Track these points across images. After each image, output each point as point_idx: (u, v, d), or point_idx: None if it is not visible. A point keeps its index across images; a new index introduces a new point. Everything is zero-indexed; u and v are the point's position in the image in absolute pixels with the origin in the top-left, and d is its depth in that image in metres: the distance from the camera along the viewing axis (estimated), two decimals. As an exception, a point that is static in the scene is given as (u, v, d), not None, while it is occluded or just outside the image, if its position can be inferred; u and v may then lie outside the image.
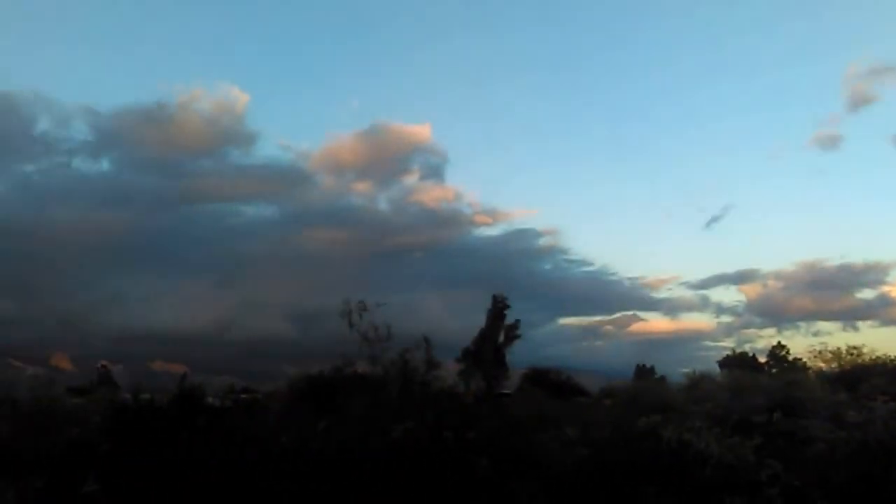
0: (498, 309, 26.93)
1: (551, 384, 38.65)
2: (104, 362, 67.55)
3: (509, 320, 33.67)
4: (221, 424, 19.84)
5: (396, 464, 15.76)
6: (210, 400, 23.70)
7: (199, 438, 18.64)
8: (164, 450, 17.96)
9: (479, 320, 30.52)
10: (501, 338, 27.51)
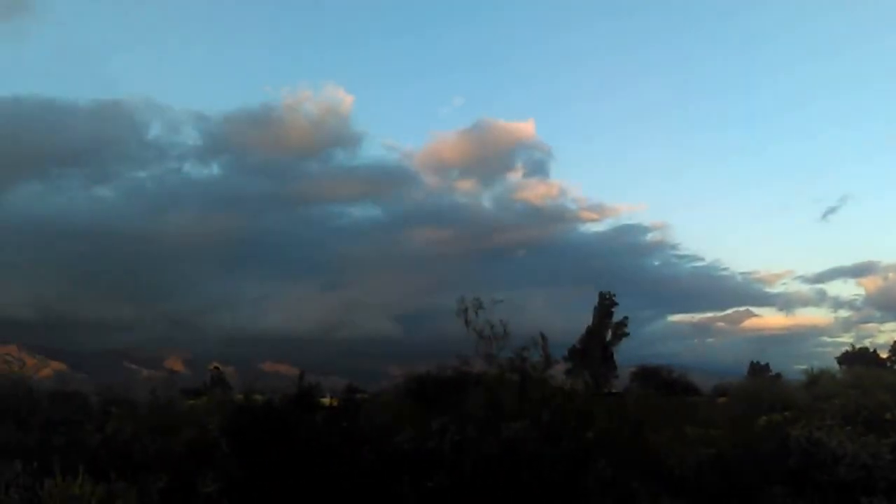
0: (605, 306, 25.97)
1: (662, 382, 37.39)
2: (216, 364, 69.71)
3: (617, 318, 32.68)
4: (337, 424, 19.66)
5: (512, 464, 15.15)
6: (324, 399, 23.66)
7: (316, 438, 18.51)
8: (282, 450, 17.88)
9: (586, 318, 29.62)
10: (609, 336, 26.52)
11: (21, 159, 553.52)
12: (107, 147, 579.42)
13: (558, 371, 17.98)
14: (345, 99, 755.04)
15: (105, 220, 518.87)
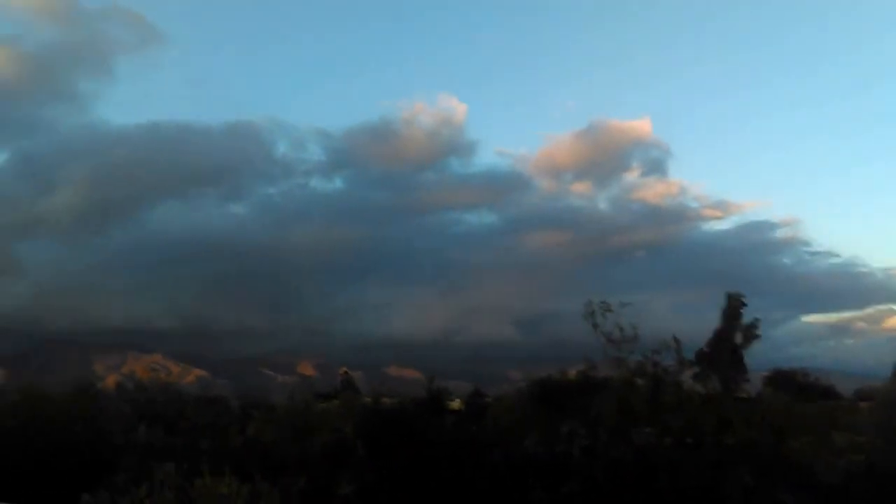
0: (733, 308, 24.71)
1: (797, 387, 35.43)
2: (344, 369, 71.38)
3: (746, 319, 31.11)
4: (466, 427, 19.65)
5: (646, 470, 14.64)
6: (452, 403, 23.72)
7: (445, 441, 18.54)
8: (414, 453, 18.00)
9: (711, 320, 28.26)
10: (739, 338, 25.22)
11: (160, 181, 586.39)
12: (239, 166, 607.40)
13: (686, 376, 17.27)
14: (458, 108, 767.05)
15: (238, 235, 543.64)
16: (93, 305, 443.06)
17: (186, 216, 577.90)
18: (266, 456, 18.51)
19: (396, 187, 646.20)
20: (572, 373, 24.12)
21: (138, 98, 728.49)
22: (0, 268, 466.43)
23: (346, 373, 61.91)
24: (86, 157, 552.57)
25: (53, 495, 20.51)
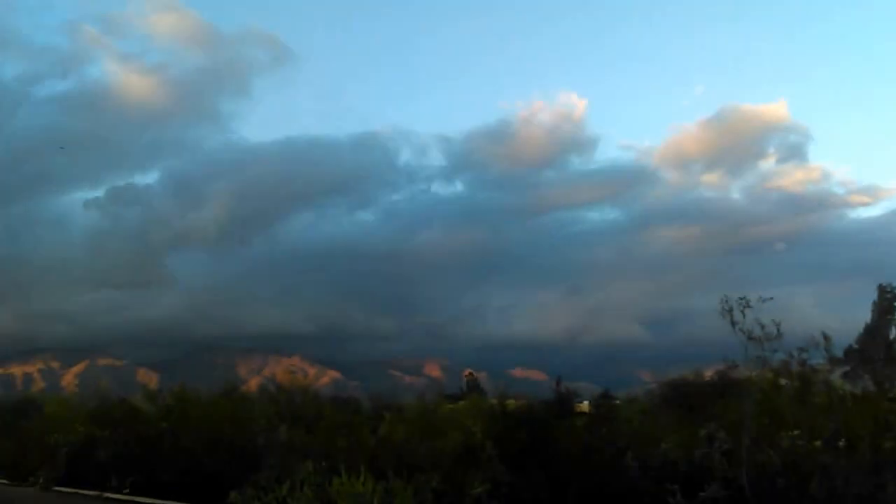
0: (887, 300, 22.79)
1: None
2: (469, 370, 71.56)
3: (901, 313, 28.80)
4: (597, 430, 19.05)
5: (795, 476, 13.62)
6: (581, 405, 23.14)
7: (577, 444, 18.06)
8: (545, 455, 17.62)
9: (861, 315, 26.26)
10: (893, 334, 23.27)
11: (294, 192, 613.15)
12: (365, 175, 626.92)
13: (836, 375, 15.99)
14: (578, 104, 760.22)
15: (366, 241, 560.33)
16: (236, 312, 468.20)
17: (319, 225, 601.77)
18: (399, 455, 18.58)
19: (516, 188, 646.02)
20: (708, 373, 23.02)
21: (273, 115, 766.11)
22: (154, 279, 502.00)
23: (471, 374, 62.03)
24: (228, 173, 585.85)
25: (203, 493, 21.40)
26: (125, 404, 31.56)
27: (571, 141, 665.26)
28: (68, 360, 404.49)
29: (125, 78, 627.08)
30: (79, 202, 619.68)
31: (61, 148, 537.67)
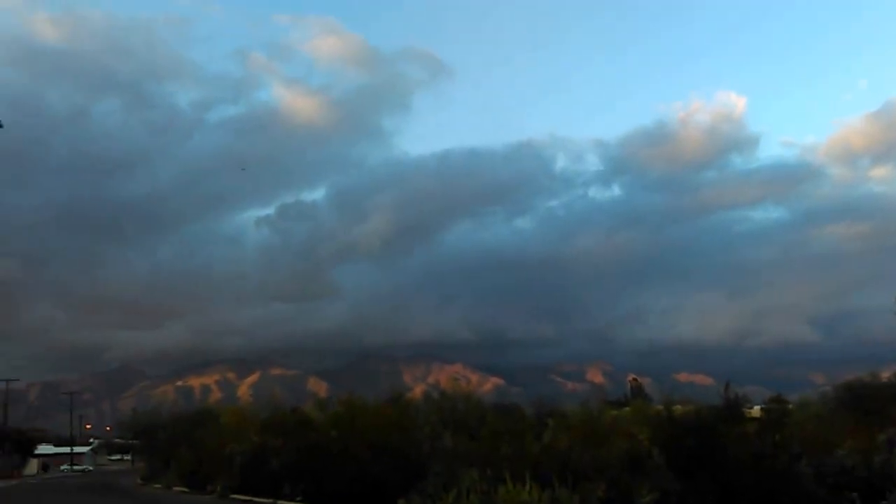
0: None
1: None
2: (633, 375, 70.09)
3: None
4: (768, 436, 18.40)
5: None
6: (750, 411, 22.28)
7: (747, 451, 17.53)
8: (714, 463, 17.22)
9: None
10: None
11: (452, 203, 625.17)
12: (522, 183, 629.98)
13: None
14: (737, 102, 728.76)
15: (525, 249, 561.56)
16: (400, 320, 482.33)
17: (477, 234, 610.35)
18: (563, 463, 18.70)
19: (676, 189, 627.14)
20: (885, 374, 21.57)
21: (432, 129, 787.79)
22: (323, 291, 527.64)
23: (634, 380, 60.83)
24: (390, 187, 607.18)
25: (371, 500, 22.36)
26: (297, 413, 33.28)
27: (732, 140, 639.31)
28: (243, 371, 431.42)
29: (292, 100, 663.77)
30: (251, 220, 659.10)
31: (242, 169, 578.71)
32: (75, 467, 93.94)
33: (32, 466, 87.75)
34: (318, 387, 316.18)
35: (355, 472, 23.73)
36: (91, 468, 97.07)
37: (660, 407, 24.20)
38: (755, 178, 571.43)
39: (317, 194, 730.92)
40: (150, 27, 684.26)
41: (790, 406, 28.72)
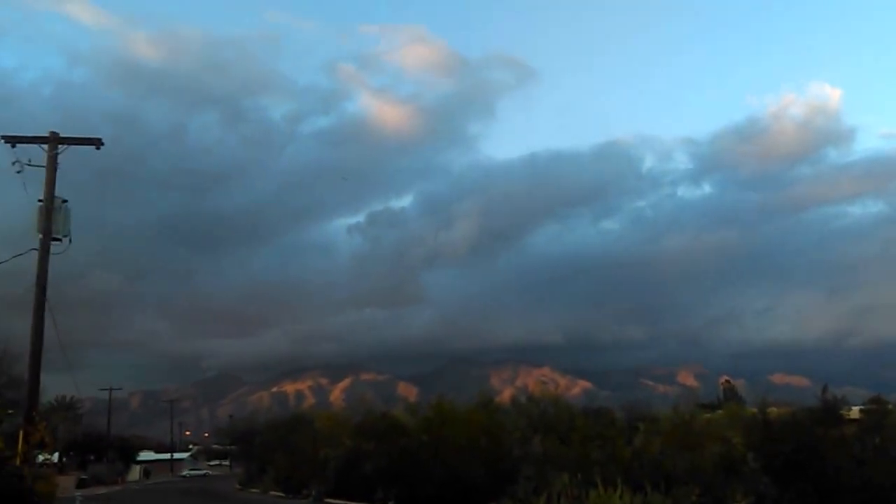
0: None
1: None
2: (726, 377, 68.04)
3: None
4: (869, 440, 17.52)
5: None
6: (849, 413, 21.30)
7: (846, 454, 16.74)
8: (813, 467, 16.51)
9: None
10: None
11: (539, 206, 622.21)
12: (608, 184, 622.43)
13: None
14: (832, 94, 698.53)
15: (612, 250, 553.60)
16: (487, 325, 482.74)
17: (564, 236, 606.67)
18: (655, 467, 18.30)
19: (768, 186, 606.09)
20: None
21: (517, 132, 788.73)
22: (412, 297, 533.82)
23: (727, 382, 59.07)
24: (475, 192, 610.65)
25: (462, 503, 22.37)
26: (388, 417, 33.65)
27: (827, 133, 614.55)
28: (335, 377, 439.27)
29: (380, 110, 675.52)
30: (342, 228, 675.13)
31: (343, 179, 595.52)
32: (192, 472, 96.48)
33: (135, 473, 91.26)
34: (408, 391, 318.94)
35: (446, 476, 23.84)
36: (209, 472, 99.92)
37: (754, 409, 23.43)
38: (853, 171, 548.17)
39: (405, 201, 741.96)
40: (244, 43, 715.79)
41: (890, 407, 27.31)
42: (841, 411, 20.03)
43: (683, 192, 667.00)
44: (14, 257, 20.13)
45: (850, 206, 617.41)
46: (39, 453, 19.19)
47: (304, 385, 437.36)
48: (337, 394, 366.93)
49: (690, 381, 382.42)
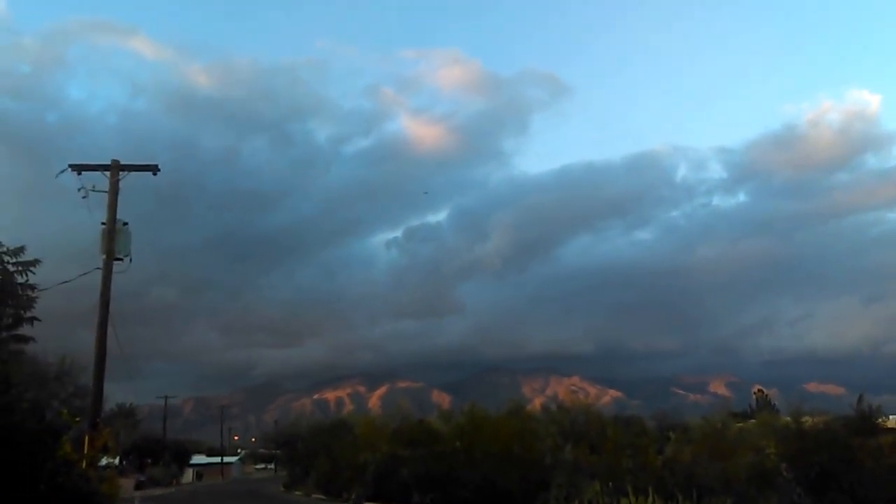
0: None
1: None
2: (759, 386, 66.64)
3: None
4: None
5: None
6: (886, 422, 20.75)
7: (882, 464, 16.32)
8: (848, 477, 16.12)
9: None
10: None
11: (571, 217, 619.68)
12: (641, 194, 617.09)
13: None
14: (871, 100, 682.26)
15: (645, 260, 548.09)
16: (519, 334, 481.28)
17: (596, 247, 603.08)
18: (687, 476, 18.02)
19: (805, 194, 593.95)
20: None
21: (550, 146, 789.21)
22: (448, 308, 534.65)
23: (760, 391, 57.80)
24: (509, 205, 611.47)
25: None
26: (423, 424, 33.66)
27: (866, 139, 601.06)
28: (372, 384, 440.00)
29: (417, 129, 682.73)
30: (381, 243, 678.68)
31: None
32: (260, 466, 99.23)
33: (188, 475, 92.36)
34: (442, 399, 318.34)
35: (480, 482, 23.73)
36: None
37: (787, 419, 22.94)
38: (891, 177, 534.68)
39: (440, 216, 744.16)
40: (292, 70, 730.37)
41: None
42: (877, 420, 19.54)
43: (718, 201, 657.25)
44: (80, 276, 20.78)
45: (889, 213, 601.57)
46: (103, 457, 19.65)
47: (343, 392, 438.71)
48: (374, 401, 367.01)
49: (722, 391, 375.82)
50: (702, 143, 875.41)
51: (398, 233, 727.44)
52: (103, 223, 20.87)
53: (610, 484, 17.43)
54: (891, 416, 23.29)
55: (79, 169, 21.04)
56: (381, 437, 33.66)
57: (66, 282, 21.10)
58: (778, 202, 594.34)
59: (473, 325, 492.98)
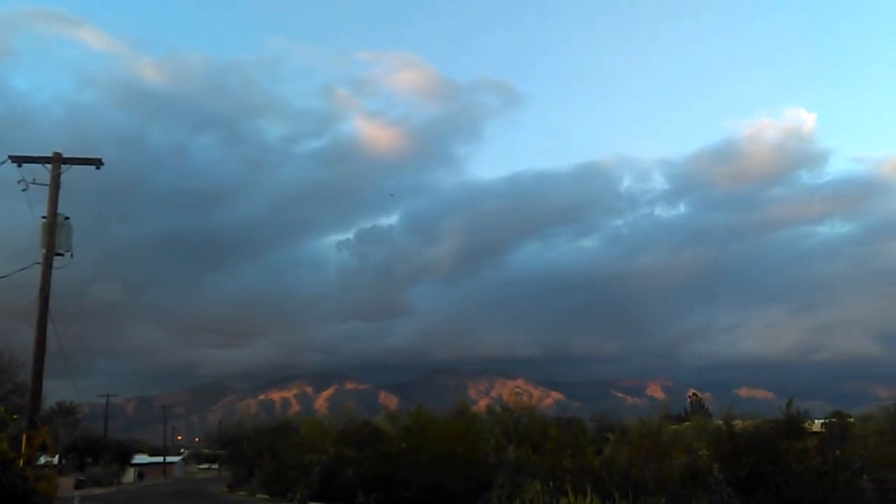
0: None
1: None
2: (693, 391, 68.13)
3: None
4: (829, 451, 17.62)
5: None
6: (810, 426, 21.39)
7: (807, 467, 16.82)
8: (776, 478, 16.57)
9: None
10: None
11: (521, 224, 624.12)
12: (588, 203, 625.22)
13: None
14: (807, 118, 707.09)
15: (589, 267, 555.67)
16: (467, 338, 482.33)
17: (544, 254, 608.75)
18: (624, 476, 18.29)
19: (742, 206, 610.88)
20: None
21: (502, 153, 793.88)
22: (398, 310, 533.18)
23: (695, 395, 59.10)
24: (460, 211, 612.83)
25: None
26: (369, 425, 33.50)
27: (800, 156, 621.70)
28: (320, 386, 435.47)
29: (371, 132, 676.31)
30: (332, 244, 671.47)
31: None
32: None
33: (130, 475, 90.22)
34: (389, 400, 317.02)
35: (424, 483, 23.70)
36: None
37: (720, 422, 23.46)
38: (823, 193, 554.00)
39: (392, 219, 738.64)
40: (245, 68, 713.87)
41: (851, 420, 27.48)
42: (803, 424, 20.11)
43: (660, 211, 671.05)
44: (19, 271, 20.05)
45: (819, 227, 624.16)
46: (41, 455, 19.01)
47: (289, 393, 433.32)
48: (321, 402, 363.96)
49: (659, 394, 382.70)
50: (646, 154, 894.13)
51: (350, 234, 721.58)
52: (44, 217, 20.20)
53: (551, 483, 17.60)
54: (816, 421, 23.99)
55: (19, 161, 20.34)
56: (327, 438, 33.43)
57: (3, 276, 20.33)
58: (716, 214, 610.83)
59: (422, 327, 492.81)
